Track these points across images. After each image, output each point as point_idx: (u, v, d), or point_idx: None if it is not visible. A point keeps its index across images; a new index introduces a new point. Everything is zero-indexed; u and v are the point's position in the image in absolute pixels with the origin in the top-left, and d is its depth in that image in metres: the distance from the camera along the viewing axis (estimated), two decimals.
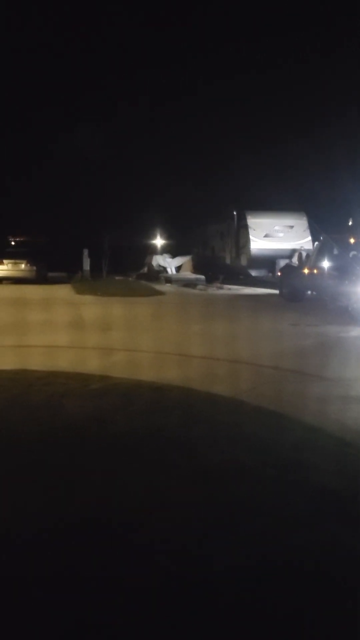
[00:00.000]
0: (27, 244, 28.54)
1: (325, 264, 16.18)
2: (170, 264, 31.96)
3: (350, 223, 18.15)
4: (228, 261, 26.54)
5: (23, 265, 24.19)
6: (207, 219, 29.95)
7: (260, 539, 3.22)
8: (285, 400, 6.15)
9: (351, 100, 44.70)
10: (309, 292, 17.43)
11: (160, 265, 31.58)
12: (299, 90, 47.57)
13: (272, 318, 13.87)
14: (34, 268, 24.15)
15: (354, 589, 2.79)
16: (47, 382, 6.57)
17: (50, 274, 26.24)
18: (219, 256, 27.77)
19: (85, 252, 28.72)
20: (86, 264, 28.59)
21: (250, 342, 10.22)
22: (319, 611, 2.63)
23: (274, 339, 10.69)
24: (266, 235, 23.64)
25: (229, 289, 23.36)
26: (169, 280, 27.50)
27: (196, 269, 30.19)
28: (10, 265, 24.14)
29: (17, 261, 24.24)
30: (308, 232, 23.52)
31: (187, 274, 30.12)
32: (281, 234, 23.68)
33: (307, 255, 18.70)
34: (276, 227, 23.78)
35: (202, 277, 27.38)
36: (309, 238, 23.11)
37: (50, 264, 26.52)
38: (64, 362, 7.79)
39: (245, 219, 24.26)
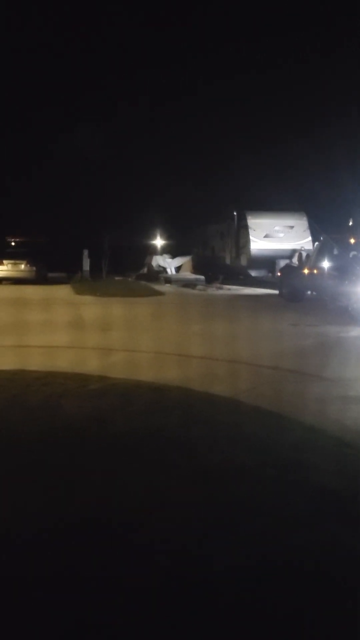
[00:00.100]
0: (27, 244, 28.52)
1: (325, 264, 16.18)
2: (170, 264, 31.98)
3: (350, 223, 18.15)
4: (228, 261, 26.52)
5: (23, 266, 24.19)
6: (207, 219, 29.94)
7: (260, 539, 3.22)
8: (285, 401, 6.15)
9: (351, 100, 44.69)
10: (309, 292, 17.43)
11: (160, 266, 31.60)
12: (299, 90, 47.57)
13: (272, 318, 13.87)
14: (34, 268, 24.15)
15: (354, 589, 2.79)
16: (46, 382, 6.57)
17: (50, 274, 26.23)
18: (218, 256, 27.75)
19: (85, 252, 28.72)
20: (86, 264, 28.59)
21: (250, 342, 10.22)
22: (319, 611, 2.63)
23: (274, 339, 10.69)
24: (266, 236, 23.63)
25: (229, 289, 23.36)
26: (168, 280, 27.50)
27: (196, 269, 30.19)
28: (10, 266, 24.14)
29: (17, 261, 24.24)
30: (308, 232, 23.51)
31: (187, 274, 30.14)
32: (281, 234, 23.67)
33: (307, 256, 18.71)
34: (276, 228, 23.77)
35: (202, 277, 27.39)
36: (309, 238, 23.10)
37: (50, 265, 26.51)
38: (63, 363, 7.79)
39: (245, 219, 24.25)
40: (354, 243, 15.85)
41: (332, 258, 16.09)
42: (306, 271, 17.17)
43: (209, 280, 26.25)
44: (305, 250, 20.84)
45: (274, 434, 4.91)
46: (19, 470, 4.11)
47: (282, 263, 20.77)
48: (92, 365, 7.75)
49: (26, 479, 3.95)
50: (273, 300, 18.39)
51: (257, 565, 2.95)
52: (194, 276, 28.59)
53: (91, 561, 2.99)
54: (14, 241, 29.77)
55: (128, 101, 51.93)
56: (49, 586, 2.78)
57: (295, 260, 20.03)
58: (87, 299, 18.17)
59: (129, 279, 28.90)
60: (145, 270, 31.97)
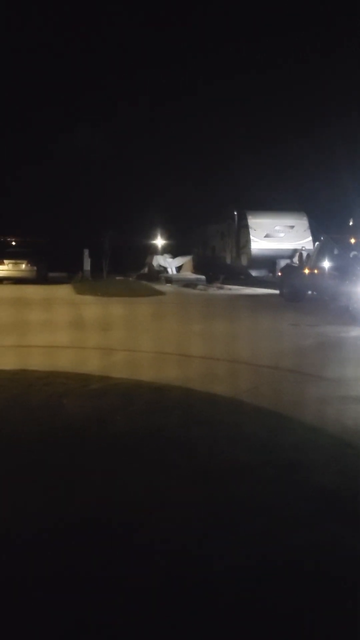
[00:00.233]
0: (28, 244, 28.54)
1: (326, 264, 16.18)
2: (170, 264, 31.96)
3: (350, 223, 18.17)
4: (228, 261, 26.52)
5: (24, 266, 24.20)
6: (208, 219, 29.93)
7: (260, 539, 3.22)
8: (285, 401, 6.15)
9: (351, 100, 44.77)
10: (310, 292, 17.43)
11: (160, 266, 31.58)
12: (299, 90, 47.61)
13: (273, 318, 13.87)
14: (35, 268, 24.16)
15: (354, 589, 2.79)
16: (47, 382, 6.57)
17: (51, 274, 26.24)
18: (219, 256, 27.75)
19: (86, 252, 28.74)
20: (87, 264, 28.61)
21: (251, 342, 10.22)
22: (319, 611, 2.63)
23: (274, 339, 10.69)
24: (267, 236, 23.62)
25: (230, 289, 23.37)
26: (169, 280, 27.51)
27: (196, 269, 30.18)
28: (10, 266, 24.15)
29: (18, 261, 24.26)
30: (309, 232, 23.50)
31: (188, 274, 30.12)
32: (282, 234, 23.66)
33: (308, 256, 18.70)
34: (277, 227, 23.77)
35: (203, 277, 27.39)
36: (310, 238, 23.09)
37: (51, 264, 26.52)
38: (64, 362, 7.79)
39: (245, 219, 24.24)
40: (355, 243, 15.85)
41: (333, 258, 16.09)
42: (307, 271, 17.17)
43: (210, 280, 26.26)
44: (305, 250, 20.83)
45: (274, 434, 4.91)
46: (19, 470, 4.11)
47: (283, 263, 20.77)
48: (93, 365, 7.75)
49: (26, 479, 3.95)
50: (273, 300, 18.39)
51: (257, 565, 2.94)
52: (194, 276, 28.58)
53: (91, 561, 2.99)
54: (15, 241, 29.80)
55: (128, 101, 51.97)
56: (49, 586, 2.78)
57: (295, 260, 20.02)
58: (88, 298, 18.17)
59: (130, 279, 28.91)
60: (146, 270, 31.98)
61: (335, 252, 16.30)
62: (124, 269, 31.44)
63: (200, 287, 24.08)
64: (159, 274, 29.49)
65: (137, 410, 5.55)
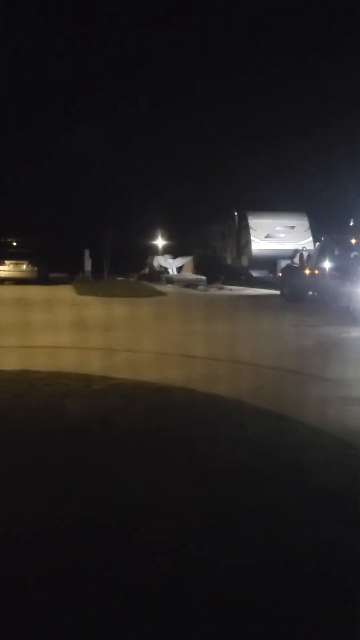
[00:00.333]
0: (29, 244, 28.54)
1: (327, 264, 16.18)
2: (171, 264, 31.93)
3: (351, 223, 18.17)
4: (229, 262, 26.51)
5: (25, 266, 24.22)
6: (208, 220, 29.93)
7: (260, 539, 3.22)
8: (287, 401, 6.15)
9: (351, 100, 44.71)
10: (310, 293, 17.42)
11: (161, 266, 31.55)
12: (299, 90, 47.55)
13: (273, 318, 13.88)
14: (36, 269, 24.17)
15: (354, 589, 2.79)
16: (48, 382, 6.57)
17: (52, 275, 26.24)
18: (220, 257, 27.74)
19: (87, 252, 28.71)
20: (87, 265, 28.58)
21: (252, 343, 10.22)
22: (319, 611, 2.63)
23: (275, 340, 10.69)
24: (267, 236, 23.62)
25: (230, 289, 23.36)
26: (170, 280, 27.49)
27: (197, 269, 30.16)
28: (11, 266, 24.18)
29: (19, 262, 24.28)
30: (309, 232, 23.49)
31: (188, 274, 30.08)
32: (282, 235, 23.65)
33: (309, 256, 18.70)
34: (277, 228, 23.76)
35: (203, 277, 27.35)
36: (310, 238, 23.08)
37: (52, 265, 26.52)
38: (65, 363, 7.79)
39: (246, 220, 24.23)
40: (355, 243, 15.85)
41: (333, 258, 16.09)
42: (307, 271, 17.17)
43: (211, 281, 26.24)
44: (306, 250, 20.82)
45: (275, 435, 4.91)
46: (19, 470, 4.11)
47: (283, 263, 20.76)
48: (94, 365, 7.75)
49: (26, 479, 3.96)
50: (274, 301, 18.38)
51: (257, 565, 2.94)
52: (195, 276, 28.54)
53: (91, 561, 2.99)
54: (16, 241, 29.81)
55: (128, 101, 51.90)
56: (49, 586, 2.78)
57: (296, 260, 20.02)
58: (89, 299, 18.18)
59: (131, 280, 28.91)
60: (146, 270, 31.95)
61: (336, 252, 16.30)
62: (125, 269, 31.41)
63: (201, 287, 24.07)
64: (160, 275, 29.47)
65: (138, 411, 5.55)
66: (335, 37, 46.52)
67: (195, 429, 5.05)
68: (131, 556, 3.03)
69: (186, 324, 12.74)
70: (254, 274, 24.56)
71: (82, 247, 28.95)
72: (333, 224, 21.62)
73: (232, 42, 51.04)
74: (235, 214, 25.45)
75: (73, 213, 37.83)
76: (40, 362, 7.72)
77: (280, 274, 20.02)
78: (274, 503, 3.63)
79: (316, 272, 16.64)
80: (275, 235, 23.64)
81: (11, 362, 7.73)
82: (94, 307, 15.80)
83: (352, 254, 15.42)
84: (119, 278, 29.06)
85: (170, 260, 32.05)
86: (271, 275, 23.16)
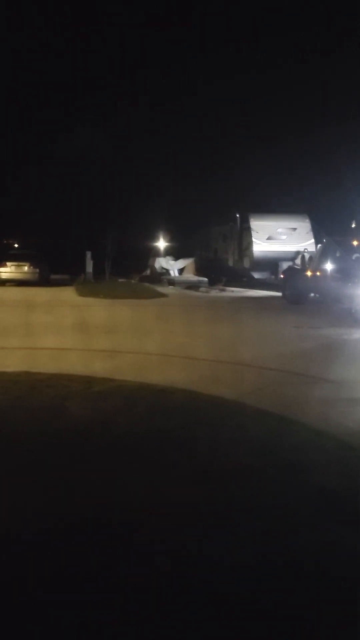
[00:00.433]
0: (30, 246, 28.57)
1: (328, 266, 16.17)
2: (173, 266, 31.93)
3: (353, 225, 18.15)
4: (231, 263, 26.51)
5: (26, 268, 24.25)
6: (210, 221, 29.93)
7: (260, 539, 3.22)
8: (289, 403, 6.14)
9: (352, 100, 44.77)
10: (312, 295, 17.42)
11: (163, 268, 31.55)
12: (299, 90, 47.64)
13: (275, 320, 13.87)
14: (37, 270, 24.20)
15: (354, 589, 2.78)
16: (50, 384, 6.57)
17: (53, 276, 26.28)
18: (221, 258, 27.74)
19: (88, 254, 28.72)
20: (89, 266, 28.60)
21: (253, 345, 10.22)
22: (319, 611, 2.63)
23: (277, 341, 10.68)
24: (269, 238, 23.62)
25: (232, 291, 23.37)
26: (171, 282, 27.50)
27: (199, 271, 30.15)
28: (13, 268, 24.21)
29: (20, 263, 24.31)
30: (311, 234, 23.49)
31: (190, 276, 30.08)
32: (284, 237, 23.66)
33: (310, 258, 18.70)
34: (279, 230, 23.77)
35: (205, 279, 27.36)
36: (312, 240, 23.08)
37: (53, 266, 26.56)
38: (67, 365, 7.79)
39: (248, 221, 24.24)
40: (357, 245, 15.85)
41: (335, 260, 16.08)
42: (309, 273, 17.16)
43: (212, 282, 26.24)
44: (308, 252, 20.83)
45: (276, 436, 4.90)
46: (19, 470, 4.11)
47: (285, 265, 20.77)
48: (96, 367, 7.75)
49: (26, 479, 3.96)
50: (276, 303, 18.38)
51: (257, 566, 2.94)
52: (197, 278, 28.54)
53: (91, 561, 2.99)
54: (17, 243, 29.85)
55: (128, 101, 51.98)
56: (49, 586, 2.78)
57: (298, 262, 20.02)
58: (91, 300, 18.19)
59: (132, 281, 28.91)
60: (148, 272, 31.94)
61: (338, 254, 16.29)
62: (127, 271, 31.42)
63: (202, 289, 24.08)
64: (162, 276, 29.48)
65: (139, 412, 5.55)
66: (335, 37, 46.61)
67: (196, 429, 5.05)
68: (131, 556, 3.03)
69: (188, 326, 12.74)
70: (256, 275, 24.56)
71: (84, 248, 28.97)
72: (335, 225, 21.62)
73: (232, 42, 51.16)
74: (237, 215, 25.46)
75: (74, 214, 37.89)
76: (42, 364, 7.72)
77: (282, 276, 20.02)
78: (274, 503, 3.63)
79: (318, 274, 16.63)
80: (277, 237, 23.64)
81: (12, 364, 7.74)
82: (96, 309, 15.81)
83: (354, 256, 15.42)
84: (120, 280, 29.05)
85: (172, 262, 32.05)
86: (273, 277, 23.16)
